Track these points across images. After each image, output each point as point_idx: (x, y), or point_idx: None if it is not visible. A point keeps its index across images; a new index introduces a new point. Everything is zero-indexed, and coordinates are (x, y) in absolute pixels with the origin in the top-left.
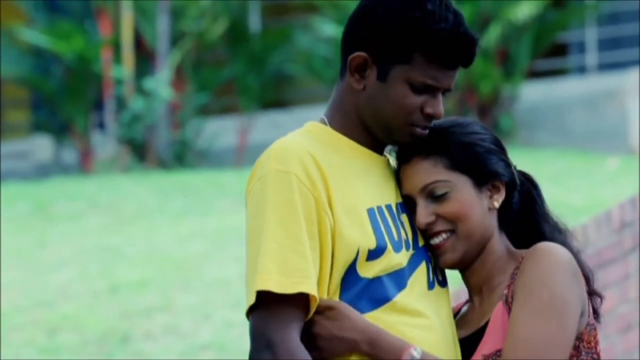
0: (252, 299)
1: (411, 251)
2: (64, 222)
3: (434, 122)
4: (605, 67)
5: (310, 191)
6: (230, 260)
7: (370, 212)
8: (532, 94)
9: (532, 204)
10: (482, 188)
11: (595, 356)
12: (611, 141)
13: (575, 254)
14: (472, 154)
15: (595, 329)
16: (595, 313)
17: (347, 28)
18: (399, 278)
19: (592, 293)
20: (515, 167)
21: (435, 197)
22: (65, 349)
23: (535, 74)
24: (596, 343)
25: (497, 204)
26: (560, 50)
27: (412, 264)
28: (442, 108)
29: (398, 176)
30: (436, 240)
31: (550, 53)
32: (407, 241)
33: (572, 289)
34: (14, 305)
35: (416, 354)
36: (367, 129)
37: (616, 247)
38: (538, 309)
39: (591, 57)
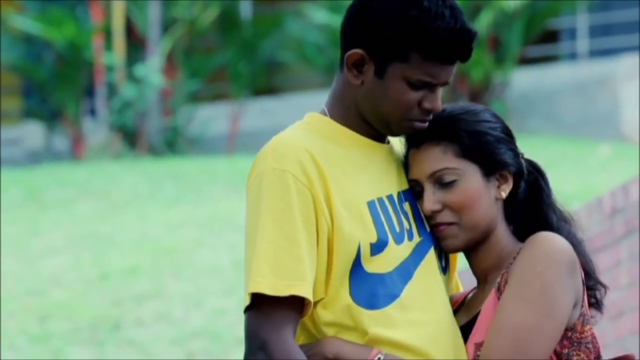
0: (247, 300)
1: (415, 240)
2: (55, 208)
3: (445, 109)
4: (597, 53)
5: (307, 189)
6: (222, 248)
7: (371, 204)
8: (523, 80)
9: (539, 193)
10: (490, 177)
11: (589, 346)
12: (602, 128)
13: (579, 244)
14: (482, 143)
15: (589, 320)
16: (598, 303)
17: (344, 22)
18: (405, 270)
19: (594, 285)
20: (523, 156)
21: (443, 185)
22: (57, 336)
23: (526, 61)
24: (591, 335)
25: (504, 194)
26: (551, 36)
27: (418, 253)
28: (439, 102)
29: (406, 160)
30: (440, 226)
31: (541, 40)
32: (409, 231)
33: (566, 280)
34: (6, 293)
35: (381, 357)
36: (367, 121)
37: (607, 234)
38: (528, 298)
39: (582, 43)
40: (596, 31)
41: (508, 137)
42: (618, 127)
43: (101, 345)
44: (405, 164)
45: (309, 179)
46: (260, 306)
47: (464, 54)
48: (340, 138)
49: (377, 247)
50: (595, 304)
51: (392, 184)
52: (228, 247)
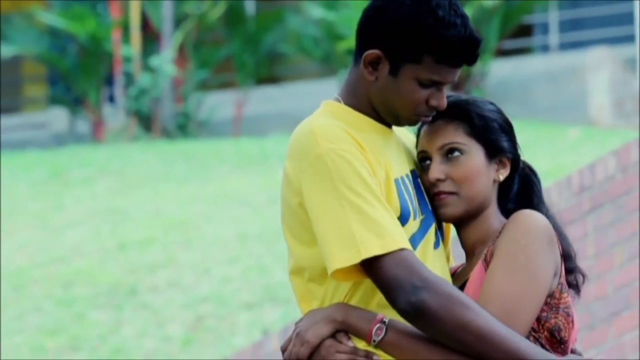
0: (339, 264)
1: (420, 216)
2: (77, 186)
3: (459, 95)
4: (567, 46)
5: (366, 160)
6: (228, 221)
7: (396, 182)
8: (500, 70)
9: (531, 187)
10: (491, 160)
11: (567, 310)
12: (572, 113)
13: (563, 234)
14: (489, 127)
15: (566, 288)
16: (577, 288)
17: (362, 23)
18: (412, 243)
19: (574, 268)
20: (520, 150)
21: (450, 158)
22: (79, 300)
23: (503, 53)
24: (568, 301)
25: (501, 177)
26: (525, 31)
27: (423, 228)
28: (445, 100)
29: (418, 134)
30: (441, 194)
31: (516, 33)
32: (417, 208)
33: (547, 253)
34: (33, 261)
35: (385, 321)
36: (375, 112)
37: (575, 209)
38: (513, 269)
39: (554, 37)
40: (566, 26)
41: (509, 128)
42: (586, 112)
43: (119, 309)
44: (417, 138)
45: (362, 153)
46: (384, 263)
47: (471, 59)
48: (360, 123)
49: (400, 222)
50: (575, 286)
51: (405, 164)
52: (233, 221)
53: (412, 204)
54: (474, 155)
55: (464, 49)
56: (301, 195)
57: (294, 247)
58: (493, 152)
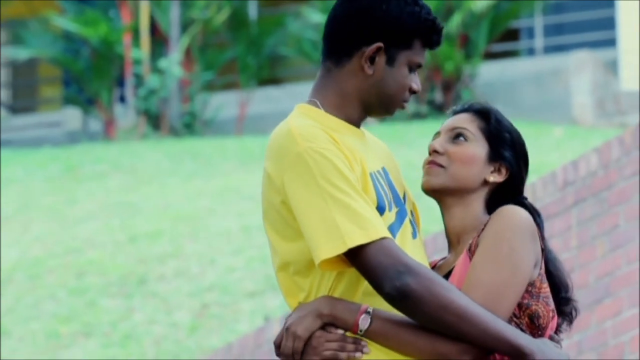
0: (326, 255)
1: (395, 208)
2: (90, 181)
3: (489, 105)
4: (551, 49)
5: (344, 157)
6: (232, 215)
7: (372, 176)
8: (488, 72)
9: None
10: (490, 162)
11: (546, 299)
12: (556, 113)
13: (560, 266)
14: (501, 135)
15: (546, 279)
16: (570, 317)
17: (352, 23)
18: (391, 233)
19: (569, 298)
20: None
21: (455, 140)
22: (92, 289)
23: (491, 56)
24: (548, 291)
25: (492, 179)
26: (512, 35)
27: (399, 219)
28: (419, 83)
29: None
30: (431, 163)
31: (504, 37)
32: (391, 201)
33: (528, 245)
34: (48, 252)
35: (370, 311)
36: (362, 108)
37: (560, 203)
38: (497, 259)
39: (539, 41)
40: (550, 30)
41: (519, 148)
42: (569, 112)
43: (129, 297)
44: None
45: (340, 150)
46: (368, 251)
47: (440, 42)
48: (334, 125)
49: (378, 212)
50: (569, 314)
51: (377, 161)
52: (237, 214)
53: (387, 196)
54: (477, 146)
55: (438, 31)
56: (284, 193)
57: (278, 244)
58: (494, 156)
